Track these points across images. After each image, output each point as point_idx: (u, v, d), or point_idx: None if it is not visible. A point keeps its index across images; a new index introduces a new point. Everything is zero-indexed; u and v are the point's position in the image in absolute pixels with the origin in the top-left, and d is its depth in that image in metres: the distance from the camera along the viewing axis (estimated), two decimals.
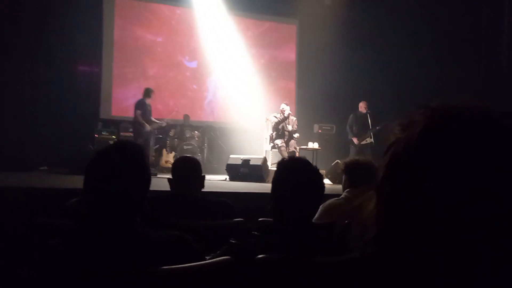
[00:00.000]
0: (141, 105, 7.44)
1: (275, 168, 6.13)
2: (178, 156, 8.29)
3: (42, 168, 7.18)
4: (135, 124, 7.53)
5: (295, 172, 1.63)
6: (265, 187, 5.84)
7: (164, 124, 7.91)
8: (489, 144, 0.46)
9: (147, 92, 7.56)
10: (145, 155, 1.43)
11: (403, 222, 0.48)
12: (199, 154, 8.69)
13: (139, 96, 7.79)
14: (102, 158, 1.36)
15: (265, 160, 7.37)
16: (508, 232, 0.44)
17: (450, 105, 0.51)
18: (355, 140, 8.28)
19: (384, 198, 0.52)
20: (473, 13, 8.20)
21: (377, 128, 8.04)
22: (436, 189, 0.46)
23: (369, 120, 8.21)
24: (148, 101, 7.53)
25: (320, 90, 10.00)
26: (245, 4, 10.04)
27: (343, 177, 2.67)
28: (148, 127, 7.42)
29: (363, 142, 8.24)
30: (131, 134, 7.87)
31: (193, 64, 10.17)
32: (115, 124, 8.43)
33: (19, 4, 7.78)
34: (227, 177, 7.21)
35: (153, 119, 7.63)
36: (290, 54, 10.91)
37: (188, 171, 2.47)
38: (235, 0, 9.79)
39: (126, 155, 1.35)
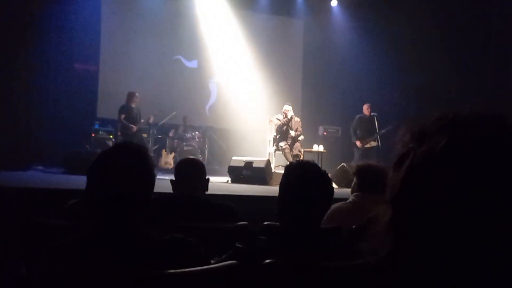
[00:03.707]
0: (124, 109, 7.87)
1: (278, 171, 6.07)
2: (177, 157, 8.28)
3: (37, 167, 7.14)
4: (122, 128, 7.92)
5: (303, 176, 1.60)
6: (268, 190, 5.80)
7: (151, 120, 8.20)
8: None
9: (129, 97, 7.97)
10: (149, 156, 1.40)
11: (425, 235, 0.48)
12: (200, 155, 8.63)
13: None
14: (105, 159, 1.34)
15: (268, 162, 7.29)
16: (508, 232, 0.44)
17: (468, 115, 0.51)
18: (358, 143, 8.23)
19: (403, 211, 0.51)
20: (483, 16, 8.10)
21: (382, 131, 7.98)
22: (465, 202, 0.45)
23: (376, 123, 8.15)
24: (133, 104, 7.95)
25: (325, 91, 9.97)
26: (249, 1, 10.02)
27: (354, 180, 2.63)
28: (134, 128, 7.83)
29: (367, 146, 8.18)
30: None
31: (193, 64, 10.13)
32: (113, 123, 8.39)
33: (16, 0, 7.76)
34: (229, 179, 7.16)
35: (141, 120, 8.06)
36: (296, 54, 10.85)
37: (193, 173, 2.44)
38: None
39: (129, 156, 1.33)
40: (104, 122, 8.60)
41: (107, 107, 8.64)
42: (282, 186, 1.65)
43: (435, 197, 0.47)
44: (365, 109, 8.36)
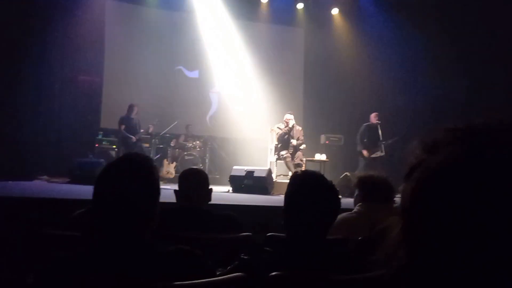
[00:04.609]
0: (124, 120, 8.05)
1: (280, 180, 6.03)
2: (179, 167, 8.28)
3: (41, 177, 7.15)
4: (122, 138, 8.09)
5: (309, 187, 1.59)
6: (270, 199, 5.79)
7: (151, 130, 8.30)
8: None
9: (129, 108, 8.16)
10: (155, 168, 1.41)
11: (439, 246, 0.47)
12: (201, 165, 8.64)
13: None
14: (112, 171, 1.35)
15: (269, 171, 7.28)
16: None
17: (483, 124, 0.50)
18: (365, 153, 8.11)
19: (414, 224, 0.50)
20: (490, 25, 8.03)
21: (389, 141, 7.91)
22: (476, 213, 0.45)
23: (380, 132, 8.08)
24: (133, 115, 8.11)
25: (327, 100, 9.96)
26: (250, 11, 10.08)
27: (355, 192, 2.62)
28: (133, 138, 7.98)
29: (374, 155, 8.08)
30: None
31: (194, 74, 10.16)
32: (116, 133, 8.43)
33: (22, 12, 7.82)
34: (230, 188, 7.14)
35: (141, 130, 8.18)
36: (297, 63, 10.86)
37: (196, 184, 2.44)
38: (239, 7, 9.86)
39: (135, 167, 1.34)
40: (108, 132, 8.64)
41: (111, 117, 8.68)
42: (287, 196, 1.64)
43: (452, 209, 0.46)
44: (373, 117, 8.20)
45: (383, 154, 7.98)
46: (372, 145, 8.11)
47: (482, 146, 0.48)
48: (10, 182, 5.68)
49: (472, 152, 0.48)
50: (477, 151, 0.47)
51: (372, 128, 8.18)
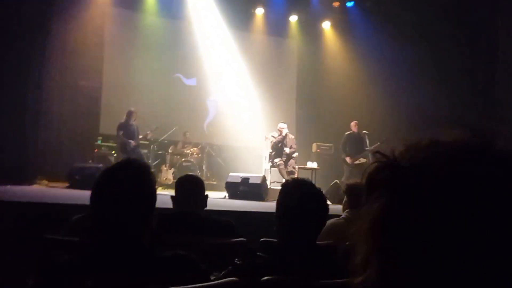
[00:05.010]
0: (123, 126, 8.03)
1: (274, 187, 6.08)
2: (177, 173, 8.33)
3: (40, 181, 7.17)
4: (120, 144, 8.06)
5: (299, 194, 1.65)
6: (264, 206, 5.84)
7: (149, 136, 8.30)
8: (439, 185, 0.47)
9: (127, 114, 8.14)
10: (151, 173, 1.44)
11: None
12: (198, 171, 8.68)
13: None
14: (109, 177, 1.37)
15: (264, 178, 7.38)
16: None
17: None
18: (348, 160, 8.27)
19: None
20: (472, 43, 8.24)
21: (371, 148, 8.03)
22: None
23: (367, 141, 8.21)
24: (131, 121, 8.08)
25: (319, 109, 10.07)
26: (245, 22, 10.19)
27: (344, 198, 2.68)
28: (132, 144, 7.94)
29: (357, 162, 8.22)
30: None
31: (191, 82, 10.24)
32: (115, 139, 8.46)
33: (22, 17, 7.86)
34: (227, 195, 7.21)
35: (140, 136, 8.15)
36: (290, 73, 10.99)
37: (193, 190, 2.49)
38: (235, 17, 9.99)
39: (132, 173, 1.36)
40: (107, 138, 8.66)
41: (110, 123, 8.67)
42: (279, 203, 1.69)
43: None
44: (353, 126, 8.40)
45: (366, 161, 8.08)
46: (355, 153, 8.26)
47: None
48: (9, 186, 5.69)
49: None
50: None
51: (354, 136, 8.34)
